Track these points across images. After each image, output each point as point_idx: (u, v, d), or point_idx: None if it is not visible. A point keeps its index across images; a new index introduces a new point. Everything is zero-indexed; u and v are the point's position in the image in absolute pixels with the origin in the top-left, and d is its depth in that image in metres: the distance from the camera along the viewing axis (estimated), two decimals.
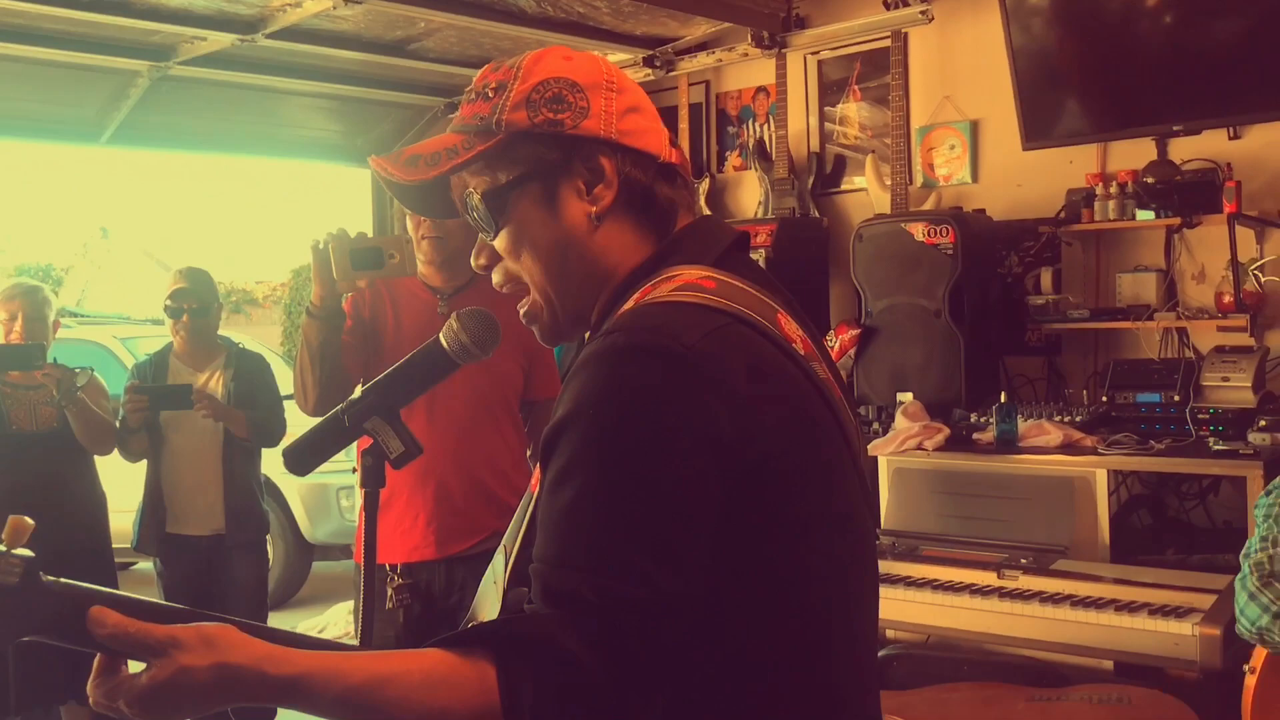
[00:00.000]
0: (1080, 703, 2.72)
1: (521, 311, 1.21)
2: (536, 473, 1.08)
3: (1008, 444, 3.44)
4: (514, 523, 1.17)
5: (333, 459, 1.43)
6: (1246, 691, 2.46)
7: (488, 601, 1.16)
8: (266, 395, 3.85)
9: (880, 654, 3.11)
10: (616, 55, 4.58)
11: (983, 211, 4.00)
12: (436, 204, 1.23)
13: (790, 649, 1.04)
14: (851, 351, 3.90)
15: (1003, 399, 3.52)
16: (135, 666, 0.98)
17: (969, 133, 4.21)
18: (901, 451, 3.54)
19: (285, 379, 3.77)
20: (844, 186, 4.55)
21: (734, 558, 1.00)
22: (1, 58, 4.01)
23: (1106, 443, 3.33)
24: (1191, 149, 3.66)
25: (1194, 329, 3.67)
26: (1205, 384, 3.40)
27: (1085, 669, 3.03)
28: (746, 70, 4.77)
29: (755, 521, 1.01)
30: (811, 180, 4.52)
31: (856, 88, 4.51)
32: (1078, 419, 3.50)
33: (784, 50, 4.44)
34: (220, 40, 4.06)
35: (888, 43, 4.21)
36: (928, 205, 4.20)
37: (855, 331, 3.90)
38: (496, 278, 1.21)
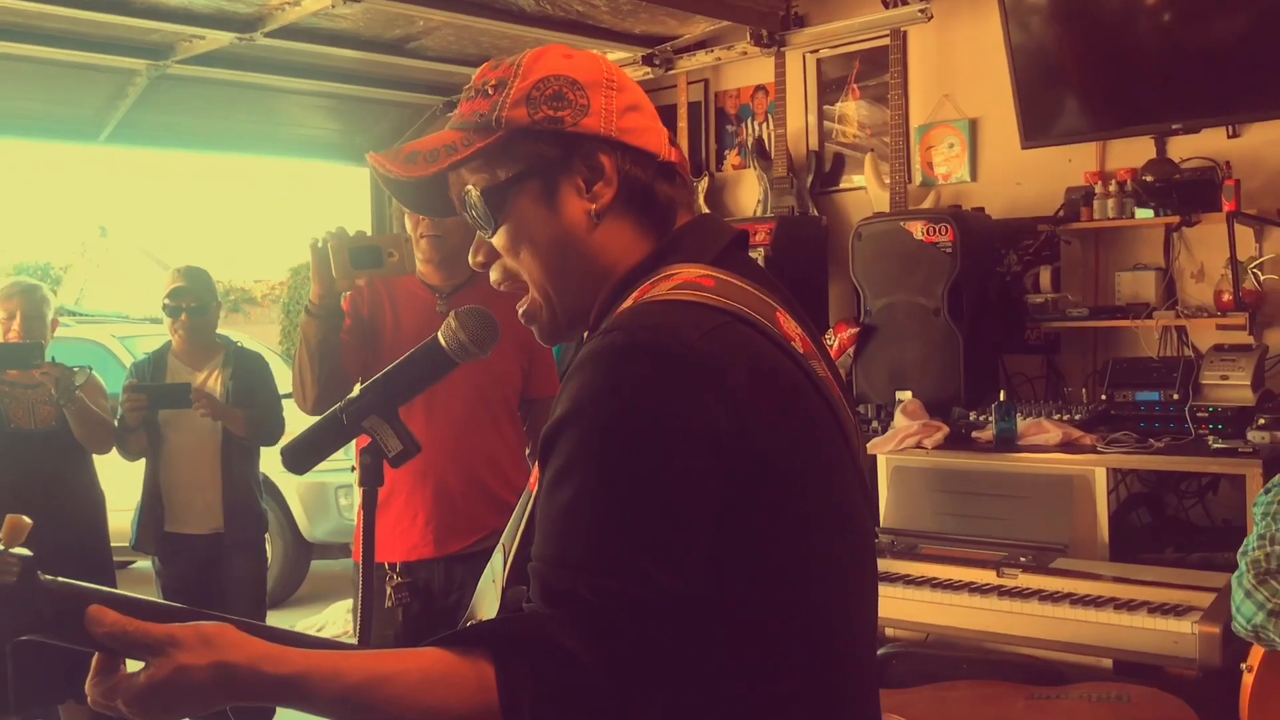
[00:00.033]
0: (1079, 701, 2.72)
1: (520, 311, 1.21)
2: (535, 471, 1.08)
3: (1007, 442, 3.44)
4: (512, 521, 1.17)
5: (331, 458, 1.43)
6: (1244, 689, 2.46)
7: (486, 600, 1.16)
8: (265, 394, 3.85)
9: (879, 652, 3.11)
10: (615, 54, 4.58)
11: (982, 210, 4.00)
12: (434, 202, 1.23)
13: (790, 648, 1.04)
14: (850, 350, 3.90)
15: (1002, 397, 3.52)
16: (134, 665, 0.98)
17: (968, 131, 4.21)
18: (900, 450, 3.54)
19: (284, 378, 3.77)
20: (843, 185, 4.55)
21: (733, 557, 1.00)
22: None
23: (1105, 441, 3.33)
24: (1190, 147, 3.66)
25: (1193, 327, 3.67)
26: (1204, 382, 3.40)
27: (1084, 667, 3.03)
28: (745, 69, 4.77)
29: (754, 520, 1.01)
30: (810, 179, 4.52)
31: (855, 86, 4.51)
32: (1077, 417, 3.50)
33: (783, 49, 4.43)
34: (219, 39, 4.06)
35: (887, 41, 4.21)
36: (927, 204, 4.20)
37: (854, 330, 3.90)
38: (494, 275, 1.21)
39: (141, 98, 4.43)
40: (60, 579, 0.99)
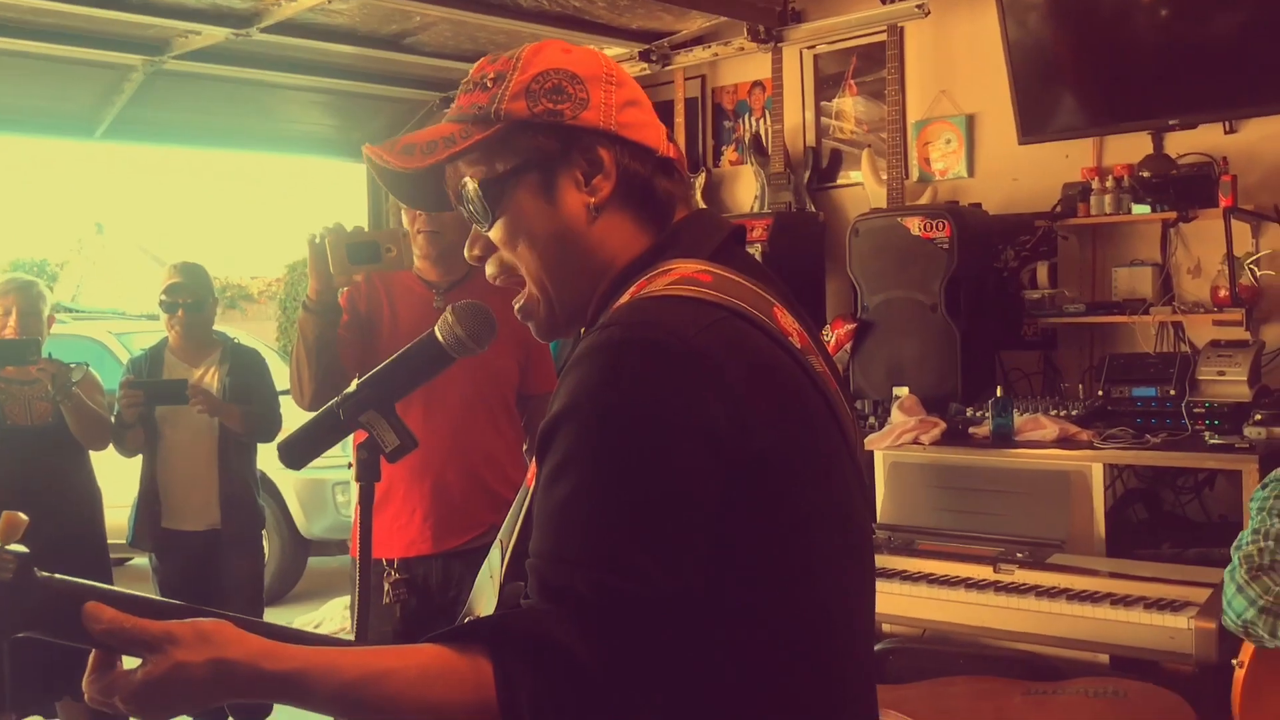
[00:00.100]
0: (1076, 696, 2.72)
1: (517, 307, 1.20)
2: (533, 467, 1.08)
3: (1004, 438, 3.44)
4: (510, 517, 1.16)
5: (328, 454, 1.42)
6: (1236, 685, 2.46)
7: (484, 596, 1.16)
8: (262, 390, 3.84)
9: (876, 648, 3.11)
10: (612, 49, 4.57)
11: (979, 206, 4.00)
12: (429, 196, 1.22)
13: (788, 644, 1.04)
14: (848, 346, 3.90)
15: (999, 393, 3.52)
16: (131, 662, 0.97)
17: (965, 127, 4.21)
18: (897, 446, 3.54)
19: (281, 374, 3.77)
20: (840, 181, 4.55)
21: (731, 553, 1.00)
22: None
23: (1102, 437, 3.33)
24: (1187, 143, 3.67)
25: (1190, 323, 3.67)
26: (1201, 378, 3.40)
27: (1081, 663, 3.04)
28: (742, 64, 4.76)
29: (752, 516, 1.01)
30: (807, 175, 4.52)
31: (852, 82, 4.51)
32: (1073, 413, 3.50)
33: (780, 44, 4.43)
34: (214, 34, 4.05)
35: (884, 37, 4.21)
36: (924, 199, 4.19)
37: (851, 326, 3.90)
38: (490, 269, 1.20)
39: (137, 93, 4.42)
40: (57, 575, 0.99)
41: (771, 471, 1.01)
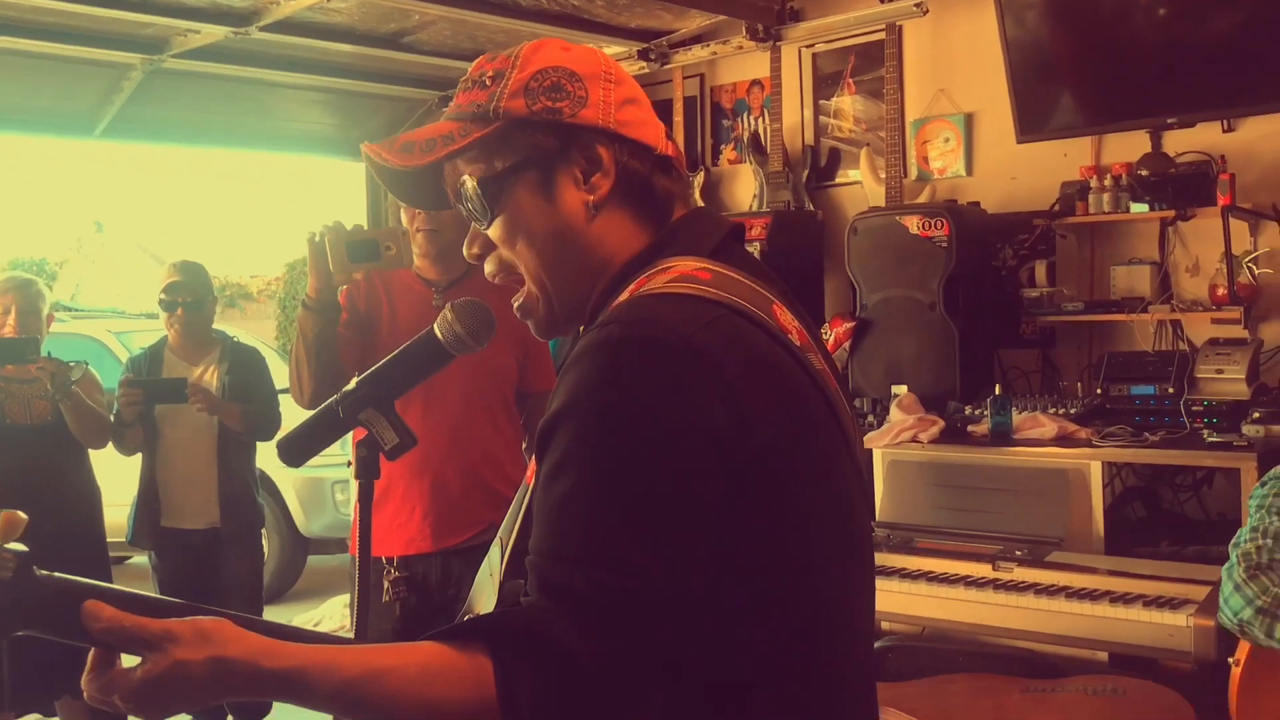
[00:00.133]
0: (1075, 694, 2.72)
1: (516, 305, 1.20)
2: (532, 465, 1.08)
3: (1002, 436, 3.44)
4: (509, 515, 1.16)
5: (328, 453, 1.42)
6: (1232, 683, 2.46)
7: (484, 594, 1.16)
8: (261, 389, 3.84)
9: (875, 646, 3.11)
10: (610, 48, 4.57)
11: (977, 204, 4.00)
12: (428, 194, 1.22)
13: (789, 641, 1.04)
14: (846, 344, 3.90)
15: (997, 391, 3.53)
16: (130, 661, 0.97)
17: (963, 126, 4.21)
18: (896, 444, 3.54)
19: (280, 373, 3.77)
20: (838, 180, 4.55)
21: (731, 550, 1.00)
22: None
23: (1101, 435, 3.33)
24: (1186, 141, 3.67)
25: (1188, 321, 3.67)
26: (1199, 376, 3.40)
27: (1080, 660, 3.04)
28: (741, 63, 4.76)
29: (752, 514, 1.01)
30: (806, 174, 4.52)
31: (851, 81, 4.51)
32: (1072, 411, 3.50)
33: (778, 43, 4.43)
34: (214, 33, 4.05)
35: (882, 35, 4.21)
36: (922, 198, 4.19)
37: (850, 324, 3.90)
38: (489, 267, 1.20)
39: (136, 92, 4.42)
40: (56, 574, 0.99)
41: (771, 469, 1.01)
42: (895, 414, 3.62)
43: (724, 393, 0.99)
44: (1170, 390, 3.43)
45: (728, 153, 4.88)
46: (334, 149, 5.43)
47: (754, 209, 4.57)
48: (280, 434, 2.51)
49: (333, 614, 6.05)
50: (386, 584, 2.70)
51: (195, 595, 3.42)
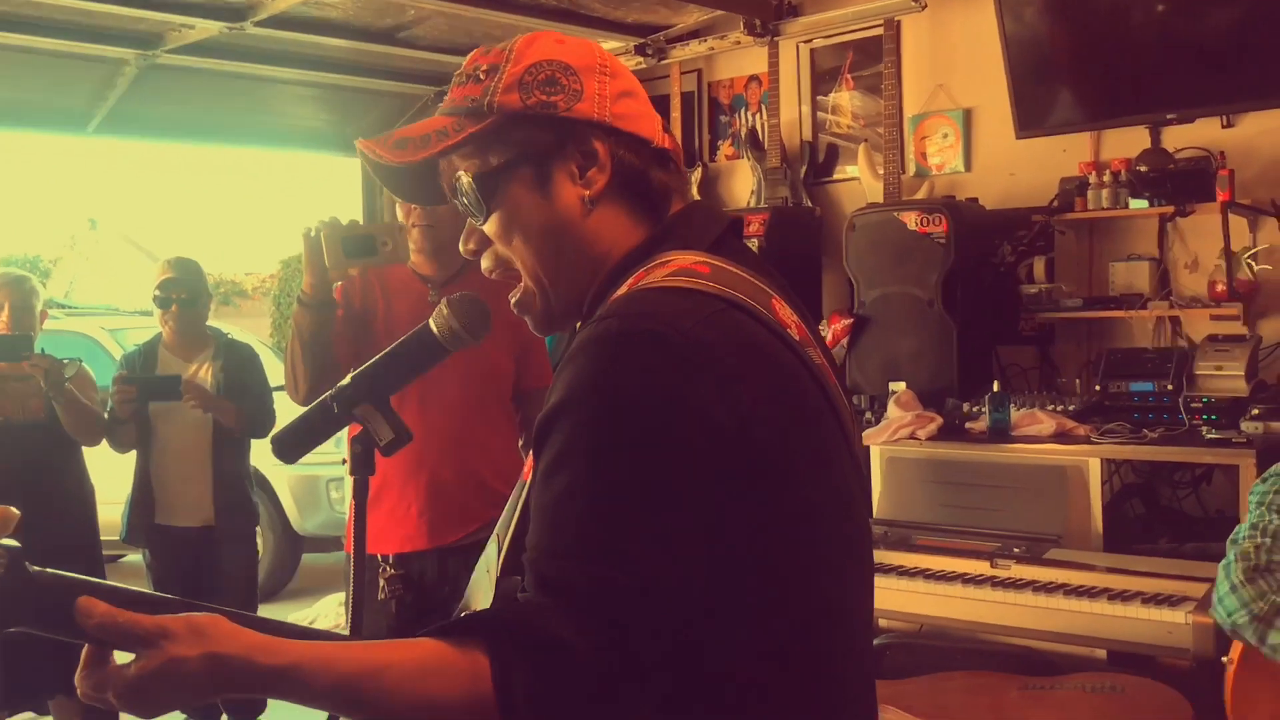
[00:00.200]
0: (1073, 691, 2.72)
1: (513, 301, 1.19)
2: (529, 461, 1.07)
3: (1000, 433, 3.44)
4: (506, 512, 1.15)
5: (322, 451, 1.41)
6: (1227, 682, 2.46)
7: (480, 591, 1.15)
8: (256, 386, 3.83)
9: (873, 643, 3.11)
10: (608, 43, 4.56)
11: (976, 200, 4.00)
12: (423, 190, 1.21)
13: (788, 638, 1.03)
14: (844, 341, 3.89)
15: (995, 388, 3.52)
16: (124, 657, 0.96)
17: (962, 121, 4.21)
18: (894, 441, 3.54)
19: (274, 370, 3.76)
20: (836, 176, 4.55)
21: (730, 546, 0.99)
22: None
23: (1099, 432, 3.33)
24: (1185, 137, 3.66)
25: (1187, 318, 3.67)
26: (1198, 373, 3.40)
27: (1078, 658, 3.04)
28: (739, 58, 4.76)
29: (751, 509, 1.00)
30: (804, 169, 4.51)
31: (849, 76, 4.50)
32: (1070, 408, 3.50)
33: (776, 38, 4.42)
34: (208, 28, 4.03)
35: (880, 31, 4.20)
36: (920, 194, 4.19)
37: (848, 321, 3.89)
38: (485, 263, 1.19)
39: (130, 88, 4.40)
40: (49, 570, 0.98)
41: (771, 464, 1.00)
42: (893, 411, 3.62)
43: (723, 387, 0.99)
44: (1169, 387, 3.42)
45: (725, 149, 4.87)
46: (329, 144, 5.42)
47: (752, 205, 4.56)
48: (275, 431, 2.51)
49: (328, 612, 6.04)
50: (382, 582, 2.69)
51: (190, 593, 3.40)
